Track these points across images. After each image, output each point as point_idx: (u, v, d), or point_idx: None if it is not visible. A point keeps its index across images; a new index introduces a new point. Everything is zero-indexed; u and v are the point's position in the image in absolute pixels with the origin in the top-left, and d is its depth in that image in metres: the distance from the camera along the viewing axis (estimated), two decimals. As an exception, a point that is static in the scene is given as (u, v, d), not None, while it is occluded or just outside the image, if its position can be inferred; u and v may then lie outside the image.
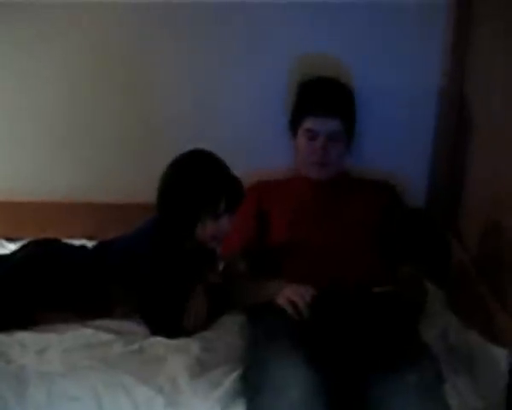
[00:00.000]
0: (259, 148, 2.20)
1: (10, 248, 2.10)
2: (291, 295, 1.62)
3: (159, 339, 1.64)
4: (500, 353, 1.49)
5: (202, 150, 1.75)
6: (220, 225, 1.72)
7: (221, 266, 1.94)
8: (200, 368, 1.53)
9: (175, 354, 1.57)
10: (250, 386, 1.45)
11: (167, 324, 1.68)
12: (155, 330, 1.68)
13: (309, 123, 1.93)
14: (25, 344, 1.61)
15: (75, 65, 2.15)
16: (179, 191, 1.70)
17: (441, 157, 2.20)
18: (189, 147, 1.76)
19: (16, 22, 2.10)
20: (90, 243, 1.99)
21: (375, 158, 2.17)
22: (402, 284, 1.74)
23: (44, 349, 1.59)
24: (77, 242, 2.02)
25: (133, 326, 1.72)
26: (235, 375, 1.50)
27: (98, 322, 1.72)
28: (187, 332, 1.67)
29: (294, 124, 2.00)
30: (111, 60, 2.15)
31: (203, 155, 1.75)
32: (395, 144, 2.19)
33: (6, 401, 1.43)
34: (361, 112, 2.03)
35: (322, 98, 1.93)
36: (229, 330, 1.72)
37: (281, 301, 1.63)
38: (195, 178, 1.70)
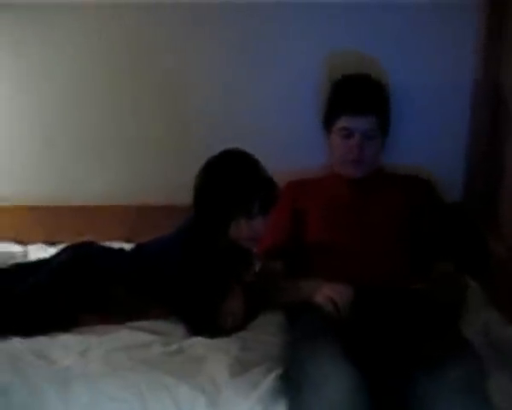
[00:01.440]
0: (292, 146, 2.21)
1: (50, 251, 2.12)
2: (330, 294, 1.61)
3: (197, 339, 1.65)
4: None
5: (237, 150, 1.76)
6: (254, 226, 1.73)
7: (257, 266, 1.95)
8: (240, 368, 1.53)
9: (214, 353, 1.58)
10: (291, 385, 1.45)
11: (205, 324, 1.69)
12: (194, 331, 1.69)
13: (344, 121, 1.92)
14: (67, 346, 1.63)
15: (101, 71, 2.19)
16: (213, 191, 1.72)
17: (477, 151, 2.17)
18: (221, 147, 1.76)
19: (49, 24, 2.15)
20: (127, 246, 2.02)
21: (410, 153, 2.16)
22: (437, 283, 1.72)
23: (86, 351, 1.60)
24: (115, 244, 2.04)
25: (170, 327, 1.73)
26: (274, 374, 1.50)
27: (137, 323, 1.74)
28: (225, 332, 1.68)
29: (329, 122, 1.99)
30: (140, 62, 2.18)
31: (238, 154, 1.75)
32: (430, 139, 2.18)
33: (50, 402, 1.45)
34: (396, 108, 2.01)
35: (357, 96, 1.92)
36: (268, 330, 1.72)
37: (320, 299, 1.62)
38: (230, 178, 1.71)
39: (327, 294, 1.62)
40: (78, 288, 1.74)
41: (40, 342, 1.65)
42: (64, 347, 1.63)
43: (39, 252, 2.17)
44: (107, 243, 2.00)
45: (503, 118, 2.06)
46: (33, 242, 2.25)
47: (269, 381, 1.48)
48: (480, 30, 2.07)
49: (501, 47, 2.05)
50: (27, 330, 1.67)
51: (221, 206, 1.70)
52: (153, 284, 1.74)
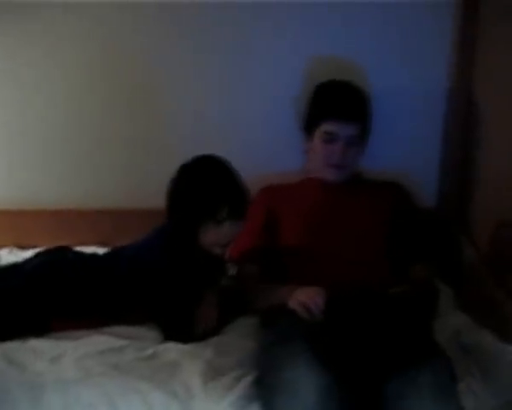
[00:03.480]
0: (268, 151, 2.21)
1: (22, 256, 2.09)
2: (303, 299, 1.61)
3: (171, 344, 1.65)
4: (513, 352, 1.49)
5: (210, 156, 1.75)
6: (222, 232, 1.72)
7: (232, 270, 1.95)
8: (214, 372, 1.53)
9: (188, 358, 1.58)
10: (264, 390, 1.45)
11: (178, 329, 1.68)
12: (168, 336, 1.68)
13: (328, 126, 1.92)
14: (39, 351, 1.61)
15: (85, 71, 2.16)
16: (182, 196, 1.72)
17: (451, 157, 2.20)
18: (198, 152, 1.76)
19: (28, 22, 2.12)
20: (101, 250, 2.00)
21: (385, 159, 2.17)
22: (414, 285, 1.73)
23: (59, 356, 1.59)
24: (89, 249, 2.03)
25: (145, 332, 1.72)
26: (248, 379, 1.50)
27: (111, 328, 1.73)
28: (198, 337, 1.68)
29: (311, 126, 1.99)
30: (117, 63, 2.16)
31: (210, 160, 1.75)
32: (405, 145, 2.19)
33: (21, 408, 1.44)
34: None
35: (343, 102, 1.93)
36: (242, 334, 1.72)
37: (293, 304, 1.63)
38: (196, 184, 1.71)
39: (299, 298, 1.62)
40: (52, 293, 1.72)
41: (12, 347, 1.63)
42: (36, 352, 1.61)
43: (10, 256, 2.15)
44: (81, 248, 1.98)
45: (475, 125, 2.08)
46: (5, 246, 2.22)
47: (242, 386, 1.48)
48: (454, 38, 2.10)
49: (474, 55, 2.08)
50: (-1, 335, 1.65)
51: (189, 211, 1.70)
52: (128, 289, 1.73)
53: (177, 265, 1.71)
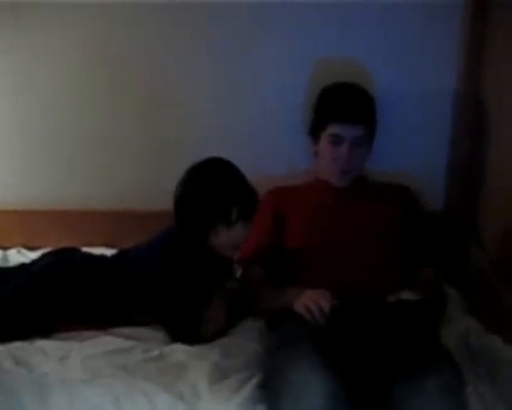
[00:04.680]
0: (275, 152, 2.21)
1: (30, 256, 2.11)
2: (308, 302, 1.61)
3: (178, 346, 1.65)
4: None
5: (218, 158, 1.76)
6: (233, 234, 1.73)
7: (239, 273, 1.95)
8: (220, 374, 1.53)
9: (195, 360, 1.58)
10: (270, 393, 1.45)
11: (185, 331, 1.68)
12: (175, 338, 1.69)
13: (334, 128, 1.92)
14: (46, 352, 1.62)
15: (92, 74, 2.17)
16: (192, 199, 1.72)
17: (458, 159, 2.19)
18: (206, 153, 1.76)
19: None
20: (109, 252, 2.01)
21: (392, 161, 2.16)
22: (423, 289, 1.72)
23: (66, 357, 1.60)
24: (96, 250, 2.04)
25: (152, 333, 1.73)
26: (254, 381, 1.50)
27: (118, 329, 1.73)
28: (205, 339, 1.68)
29: (317, 128, 1.99)
30: (120, 66, 2.16)
31: (218, 163, 1.75)
32: (412, 147, 2.18)
33: (28, 408, 1.44)
34: (378, 115, 2.01)
35: (348, 104, 1.93)
36: (248, 337, 1.72)
37: (298, 307, 1.62)
38: (207, 187, 1.71)
39: (304, 302, 1.62)
40: (59, 294, 1.73)
41: (19, 347, 1.63)
42: (43, 353, 1.62)
43: (19, 256, 2.16)
44: (88, 249, 1.99)
45: (483, 127, 2.07)
46: (13, 246, 2.23)
47: (248, 388, 1.48)
48: (462, 39, 2.09)
49: (482, 56, 2.07)
50: (6, 336, 1.66)
51: (199, 213, 1.70)
52: (135, 291, 1.73)
53: (181, 267, 1.71)
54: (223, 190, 1.71)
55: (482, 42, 2.05)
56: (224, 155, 1.77)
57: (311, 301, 1.60)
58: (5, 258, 2.17)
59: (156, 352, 1.62)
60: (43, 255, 1.90)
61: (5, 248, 2.22)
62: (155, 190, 2.15)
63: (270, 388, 1.46)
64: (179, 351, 1.63)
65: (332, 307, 1.59)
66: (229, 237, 1.73)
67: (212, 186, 1.71)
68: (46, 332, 1.71)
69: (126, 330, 1.73)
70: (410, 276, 1.83)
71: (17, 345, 1.64)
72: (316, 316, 1.58)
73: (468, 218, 2.16)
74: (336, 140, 1.92)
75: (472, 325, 1.75)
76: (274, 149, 2.20)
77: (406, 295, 1.65)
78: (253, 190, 1.76)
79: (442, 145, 2.20)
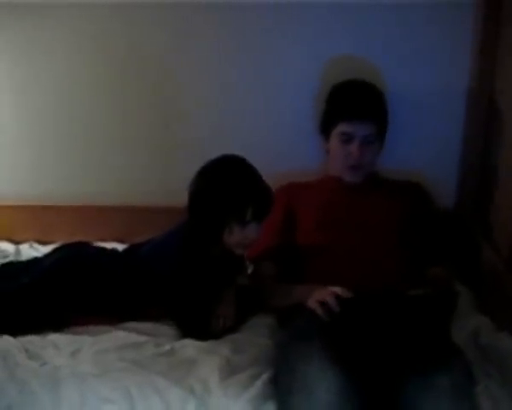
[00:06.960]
0: (288, 149, 2.21)
1: (42, 251, 2.13)
2: (320, 297, 1.61)
3: (189, 341, 1.66)
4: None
5: (234, 156, 1.74)
6: (247, 233, 1.72)
7: (250, 269, 1.95)
8: (231, 370, 1.53)
9: (205, 355, 1.58)
10: (281, 388, 1.45)
11: (196, 326, 1.69)
12: (186, 333, 1.69)
13: (344, 126, 1.92)
14: (58, 345, 1.63)
15: (106, 75, 2.19)
16: (207, 197, 1.70)
17: (471, 157, 2.18)
18: (216, 151, 1.75)
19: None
20: (120, 247, 2.02)
21: (404, 158, 2.16)
22: (434, 286, 1.72)
23: (78, 351, 1.61)
24: (107, 245, 2.05)
25: (164, 328, 1.74)
26: (265, 377, 1.51)
27: (130, 324, 1.74)
28: (215, 335, 1.69)
29: (327, 127, 1.99)
30: (131, 62, 2.17)
31: (234, 161, 1.74)
32: (425, 145, 2.18)
33: (40, 401, 1.46)
34: (390, 113, 2.01)
35: (358, 102, 1.92)
36: (259, 333, 1.72)
37: (310, 303, 1.62)
38: (224, 185, 1.70)
39: (317, 298, 1.62)
40: (71, 287, 1.74)
41: (31, 341, 1.65)
42: (55, 346, 1.63)
43: (31, 251, 2.18)
44: (100, 244, 2.00)
45: (496, 125, 2.07)
46: (25, 240, 2.25)
47: (259, 383, 1.48)
48: (475, 38, 2.08)
49: (495, 55, 2.06)
50: (19, 329, 1.67)
51: (215, 211, 1.69)
52: (147, 286, 1.74)
53: (192, 263, 1.71)
54: (239, 189, 1.69)
55: (495, 41, 2.04)
56: (235, 151, 1.75)
57: (323, 296, 1.60)
58: (18, 252, 2.19)
59: (167, 347, 1.63)
60: (55, 249, 1.91)
61: (18, 243, 2.24)
62: (165, 188, 2.19)
63: (280, 383, 1.46)
64: (190, 346, 1.63)
65: (343, 303, 1.59)
66: (241, 236, 1.72)
67: (228, 185, 1.69)
68: (59, 326, 1.72)
69: (138, 326, 1.74)
70: (421, 273, 1.83)
71: (29, 338, 1.66)
72: (329, 307, 1.58)
73: (480, 216, 2.16)
74: (346, 138, 1.92)
75: (483, 323, 1.74)
76: (285, 146, 2.20)
77: (417, 291, 1.65)
78: (268, 191, 1.74)
79: (455, 144, 2.19)
